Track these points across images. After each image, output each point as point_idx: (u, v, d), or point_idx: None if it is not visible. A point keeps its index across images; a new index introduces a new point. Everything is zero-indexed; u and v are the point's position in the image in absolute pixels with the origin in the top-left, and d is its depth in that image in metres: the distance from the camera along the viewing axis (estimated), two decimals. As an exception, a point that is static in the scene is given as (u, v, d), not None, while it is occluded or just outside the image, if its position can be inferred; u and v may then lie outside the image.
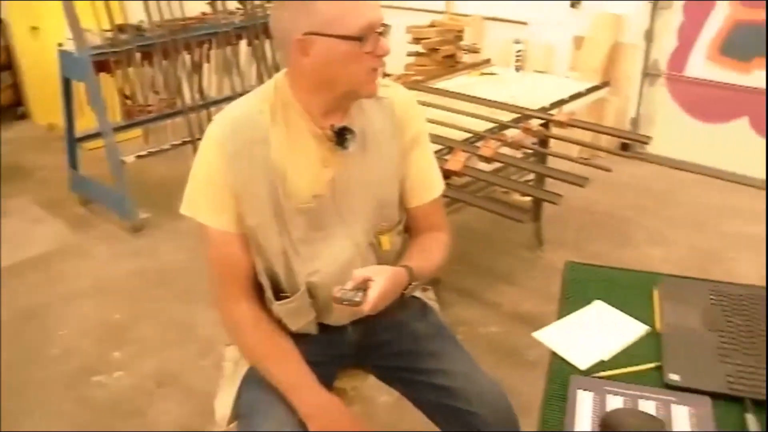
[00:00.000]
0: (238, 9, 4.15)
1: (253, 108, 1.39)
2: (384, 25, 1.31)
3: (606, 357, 1.38)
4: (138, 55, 3.69)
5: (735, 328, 1.42)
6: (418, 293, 1.64)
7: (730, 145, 4.17)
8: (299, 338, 1.48)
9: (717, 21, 4.02)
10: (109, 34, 3.56)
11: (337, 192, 1.42)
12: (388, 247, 1.49)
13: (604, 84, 3.47)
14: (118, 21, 3.58)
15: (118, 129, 3.78)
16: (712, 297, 1.53)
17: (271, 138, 1.37)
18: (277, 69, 4.30)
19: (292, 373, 1.41)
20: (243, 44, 4.18)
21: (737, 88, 4.05)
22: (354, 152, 1.39)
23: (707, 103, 4.20)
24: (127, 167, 3.67)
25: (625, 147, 4.43)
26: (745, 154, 4.11)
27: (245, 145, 1.36)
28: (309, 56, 1.29)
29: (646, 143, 3.10)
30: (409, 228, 1.56)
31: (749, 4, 3.89)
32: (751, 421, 1.20)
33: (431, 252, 1.52)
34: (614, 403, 1.24)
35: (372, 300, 1.29)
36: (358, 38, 1.27)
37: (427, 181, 1.53)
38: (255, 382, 1.45)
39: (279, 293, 1.46)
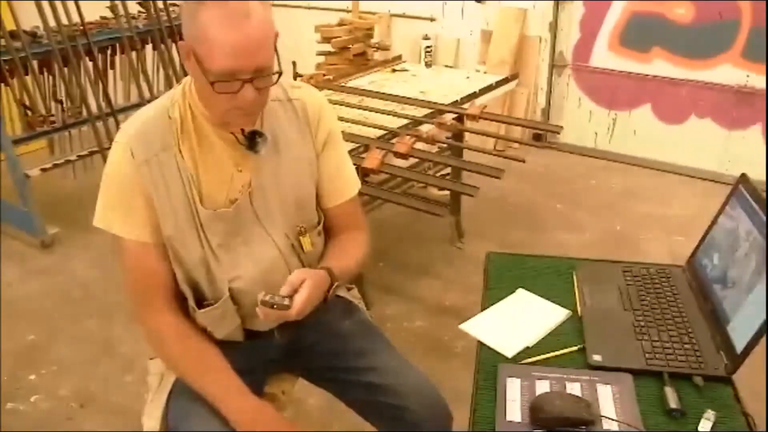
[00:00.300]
0: (140, 12, 4.01)
1: (162, 113, 1.36)
2: (262, 75, 1.24)
3: (531, 343, 1.41)
4: (35, 63, 3.52)
5: (648, 306, 1.49)
6: (342, 292, 1.63)
7: (635, 130, 4.35)
8: (225, 346, 1.44)
9: (615, 13, 4.19)
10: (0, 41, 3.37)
11: (253, 196, 1.40)
12: (310, 248, 1.48)
13: (513, 76, 3.56)
14: (10, 27, 3.39)
15: (19, 141, 3.59)
16: (627, 278, 1.59)
17: (182, 143, 1.34)
18: (185, 73, 4.18)
19: (220, 382, 1.38)
20: (149, 49, 4.05)
21: (639, 76, 4.23)
22: (267, 155, 1.38)
23: (612, 91, 4.37)
24: (32, 181, 3.49)
25: (537, 137, 4.56)
26: (648, 138, 4.31)
27: (155, 151, 1.33)
28: (188, 62, 1.27)
29: (557, 133, 3.19)
30: (328, 228, 1.55)
31: (644, -4, 4.08)
32: (670, 393, 1.25)
33: (350, 251, 1.52)
34: (542, 387, 1.27)
35: (298, 304, 1.28)
36: (211, 82, 1.22)
37: (341, 181, 1.52)
38: (183, 393, 1.41)
39: (202, 302, 1.42)
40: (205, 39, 1.20)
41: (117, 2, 3.78)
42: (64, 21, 3.57)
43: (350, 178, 1.54)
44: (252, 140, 1.35)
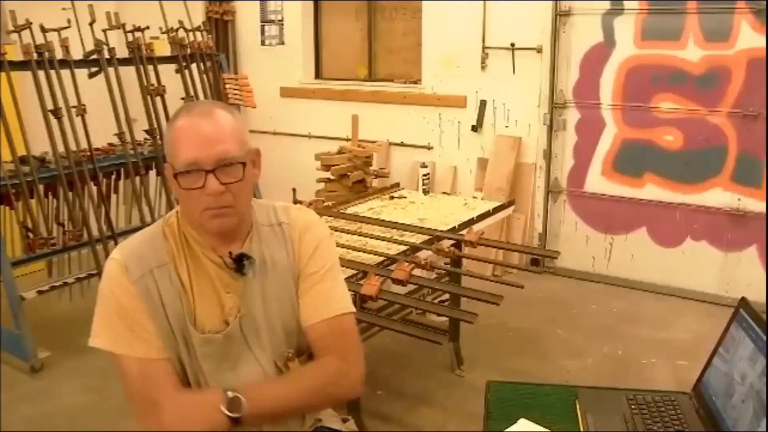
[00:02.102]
0: (147, 140, 4.15)
1: (157, 233, 1.40)
2: (227, 163, 1.29)
3: (535, 477, 1.35)
4: (41, 187, 3.59)
5: (657, 436, 1.43)
6: (336, 425, 1.57)
7: (632, 254, 4.38)
8: None
9: (607, 141, 4.34)
10: (10, 166, 3.46)
11: (243, 321, 1.39)
12: None
13: (510, 203, 3.61)
14: (21, 152, 3.49)
15: (18, 263, 3.59)
16: (632, 405, 1.54)
17: (178, 263, 1.37)
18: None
19: None
20: (152, 174, 4.15)
21: (633, 201, 4.31)
22: (255, 279, 1.39)
23: (607, 216, 4.44)
24: (27, 302, 3.46)
25: (535, 262, 4.57)
26: (645, 262, 4.32)
27: (150, 267, 1.35)
28: (170, 181, 1.35)
29: (555, 258, 3.20)
30: (312, 351, 1.46)
31: (632, 125, 4.23)
32: None
33: (294, 377, 1.40)
34: None
35: None
36: (175, 175, 1.30)
37: (322, 300, 1.44)
38: None
39: None
40: (173, 141, 1.31)
41: (125, 130, 3.91)
42: (73, 147, 3.68)
43: (333, 299, 1.45)
44: (239, 263, 1.37)
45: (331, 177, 4.18)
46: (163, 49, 4.27)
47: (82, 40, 3.77)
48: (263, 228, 1.44)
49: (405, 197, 3.65)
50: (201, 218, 1.33)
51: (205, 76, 4.50)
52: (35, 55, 3.56)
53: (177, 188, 1.32)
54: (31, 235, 3.62)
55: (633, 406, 1.54)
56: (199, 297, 1.37)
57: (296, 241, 1.45)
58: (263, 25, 5.60)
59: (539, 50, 4.40)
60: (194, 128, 1.30)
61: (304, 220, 1.49)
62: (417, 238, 2.91)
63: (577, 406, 1.57)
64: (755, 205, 3.94)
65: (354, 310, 1.49)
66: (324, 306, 1.44)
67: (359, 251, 2.75)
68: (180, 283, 1.36)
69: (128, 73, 4.02)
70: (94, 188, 3.83)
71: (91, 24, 3.76)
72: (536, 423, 1.52)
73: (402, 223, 3.07)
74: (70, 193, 3.70)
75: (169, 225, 1.41)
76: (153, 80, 4.12)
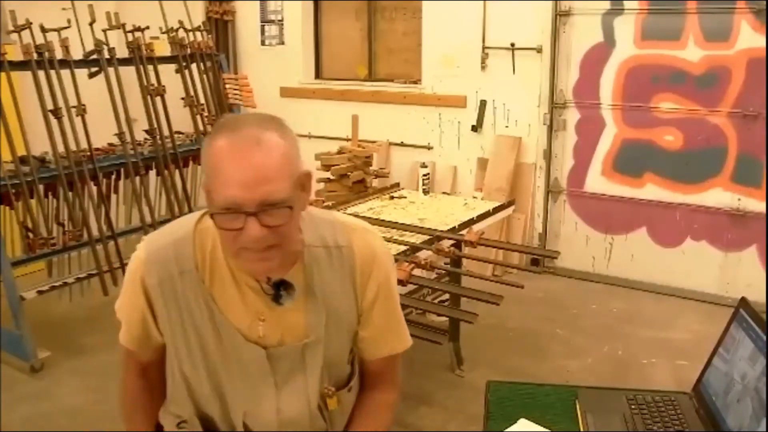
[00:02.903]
0: (147, 140, 4.14)
1: (187, 238, 1.28)
2: (269, 209, 1.11)
3: (535, 477, 1.35)
4: (41, 187, 3.59)
5: (657, 436, 1.43)
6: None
7: (632, 254, 4.38)
8: None
9: (607, 141, 4.33)
10: (10, 166, 3.46)
11: (305, 345, 1.30)
12: (335, 407, 1.37)
13: (510, 203, 3.62)
14: (21, 152, 3.49)
15: (18, 263, 3.59)
16: (632, 405, 1.54)
17: (208, 274, 1.27)
18: (187, 200, 4.27)
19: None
20: (152, 174, 4.15)
21: (633, 201, 4.31)
22: (294, 307, 1.27)
23: (607, 216, 4.44)
24: (27, 302, 3.46)
25: (535, 262, 4.57)
26: (645, 262, 4.32)
27: (171, 277, 1.27)
28: (208, 202, 1.20)
29: (555, 258, 3.21)
30: (362, 377, 1.46)
31: (632, 125, 4.22)
32: None
33: (372, 424, 1.44)
34: None
35: None
36: (212, 215, 1.15)
37: (384, 338, 1.40)
38: None
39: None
40: (213, 170, 1.13)
41: (125, 130, 3.91)
42: (73, 147, 3.68)
43: (395, 335, 1.42)
44: (277, 290, 1.25)
45: (331, 177, 4.18)
46: (163, 49, 4.27)
47: (82, 40, 3.77)
48: (318, 250, 1.29)
49: (405, 197, 3.65)
50: (239, 259, 1.19)
51: (205, 76, 4.50)
52: (35, 55, 3.56)
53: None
54: (31, 235, 3.62)
55: (633, 406, 1.54)
56: (229, 316, 1.27)
57: (357, 273, 1.32)
58: (263, 25, 5.60)
59: (539, 50, 4.40)
60: (238, 157, 1.10)
61: (369, 248, 1.34)
62: (417, 238, 2.91)
63: (577, 406, 1.57)
64: (755, 205, 3.94)
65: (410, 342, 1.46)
66: (387, 343, 1.42)
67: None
68: (209, 295, 1.27)
69: (128, 73, 4.02)
70: (94, 188, 3.83)
71: (91, 24, 3.76)
72: (536, 423, 1.52)
73: (402, 223, 3.07)
74: (70, 193, 3.69)
75: (201, 231, 1.28)
76: (153, 80, 4.12)
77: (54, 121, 3.59)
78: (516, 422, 1.53)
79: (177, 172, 4.22)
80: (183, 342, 1.30)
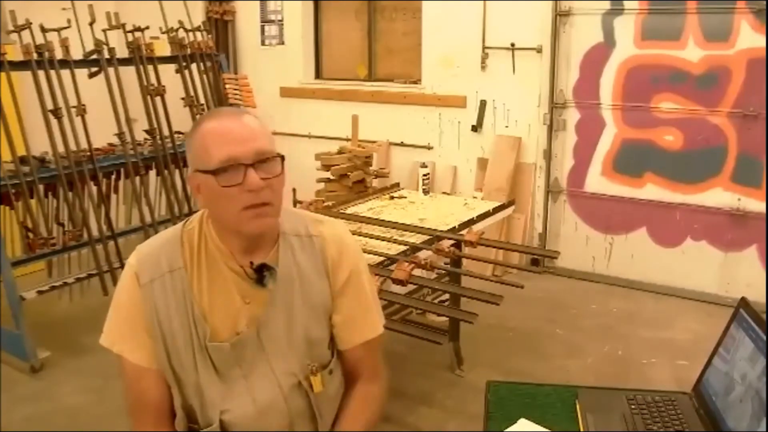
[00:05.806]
0: (146, 140, 4.15)
1: (175, 237, 1.38)
2: (264, 158, 1.27)
3: (535, 477, 1.35)
4: (41, 187, 3.59)
5: (657, 436, 1.43)
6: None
7: (632, 254, 4.38)
8: None
9: (607, 141, 4.33)
10: (10, 166, 3.46)
11: (261, 330, 1.37)
12: (321, 388, 1.41)
13: (510, 203, 3.62)
14: (21, 152, 3.49)
15: (18, 263, 3.59)
16: (632, 405, 1.54)
17: (193, 269, 1.35)
18: (187, 200, 4.27)
19: None
20: (152, 174, 4.15)
21: (633, 201, 4.31)
22: (277, 290, 1.35)
23: (607, 216, 4.43)
24: (27, 302, 3.46)
25: (535, 262, 4.57)
26: (645, 262, 4.32)
27: (162, 272, 1.34)
28: (200, 193, 1.31)
29: (555, 258, 3.20)
30: (344, 371, 1.49)
31: (632, 125, 4.22)
32: None
33: (358, 418, 1.46)
34: None
35: None
36: (213, 172, 1.25)
37: (359, 322, 1.46)
38: None
39: (195, 428, 1.39)
40: (202, 144, 1.27)
41: (125, 130, 3.91)
42: (73, 147, 3.68)
43: (369, 320, 1.48)
44: (260, 274, 1.33)
45: (331, 177, 4.18)
46: (163, 49, 4.27)
47: (82, 40, 3.77)
48: (291, 238, 1.40)
49: (405, 197, 3.65)
50: (240, 219, 1.27)
51: (205, 76, 4.50)
52: (35, 55, 3.56)
53: (209, 191, 1.28)
54: (31, 235, 3.62)
55: (633, 406, 1.54)
56: (214, 305, 1.35)
57: (328, 258, 1.42)
58: (263, 25, 5.60)
59: (539, 50, 4.40)
60: (226, 128, 1.27)
61: (337, 237, 1.45)
62: (417, 238, 2.91)
63: (577, 406, 1.57)
64: (755, 205, 3.94)
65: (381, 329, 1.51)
66: (363, 328, 1.47)
67: (359, 251, 2.74)
68: (192, 289, 1.34)
69: (128, 73, 4.02)
70: (94, 188, 3.83)
71: (91, 24, 3.76)
72: (536, 423, 1.51)
73: (402, 223, 3.07)
74: (70, 193, 3.69)
75: (189, 231, 1.38)
76: (153, 80, 4.12)
77: (54, 121, 3.60)
78: (516, 422, 1.52)
79: (177, 172, 4.22)
80: (170, 338, 1.34)
